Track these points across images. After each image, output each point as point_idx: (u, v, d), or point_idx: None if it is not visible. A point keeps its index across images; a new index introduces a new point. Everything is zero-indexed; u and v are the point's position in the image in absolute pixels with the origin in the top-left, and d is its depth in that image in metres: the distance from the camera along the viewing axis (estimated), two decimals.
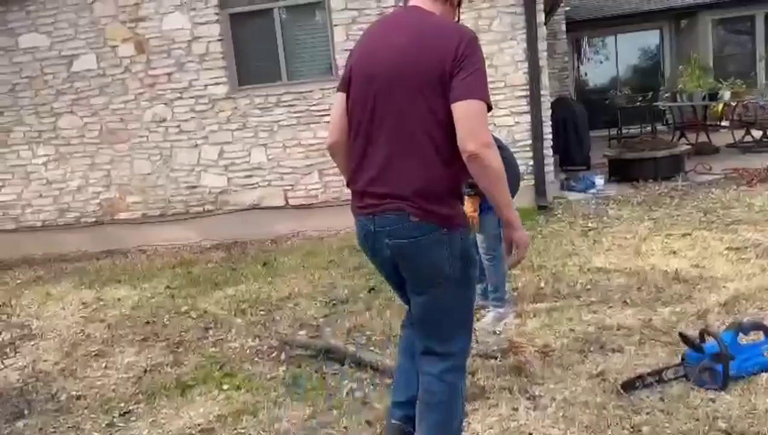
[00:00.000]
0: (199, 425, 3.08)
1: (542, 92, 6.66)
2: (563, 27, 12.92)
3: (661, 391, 2.85)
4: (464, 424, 2.53)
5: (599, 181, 7.53)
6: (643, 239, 5.34)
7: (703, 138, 9.80)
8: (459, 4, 2.24)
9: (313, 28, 7.06)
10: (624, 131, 12.35)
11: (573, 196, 7.26)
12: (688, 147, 8.69)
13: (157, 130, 7.27)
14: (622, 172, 7.88)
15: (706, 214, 5.93)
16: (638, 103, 12.34)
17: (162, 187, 7.37)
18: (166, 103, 7.21)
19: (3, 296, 6.03)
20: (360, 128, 2.11)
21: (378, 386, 3.27)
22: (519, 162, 6.80)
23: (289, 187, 7.14)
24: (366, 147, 2.10)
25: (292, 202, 7.16)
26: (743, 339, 3.01)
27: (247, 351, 3.98)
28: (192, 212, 7.36)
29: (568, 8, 13.35)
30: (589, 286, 4.39)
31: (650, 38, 15.08)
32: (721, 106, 10.78)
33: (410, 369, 2.40)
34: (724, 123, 10.82)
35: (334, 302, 4.68)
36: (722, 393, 2.78)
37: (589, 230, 5.83)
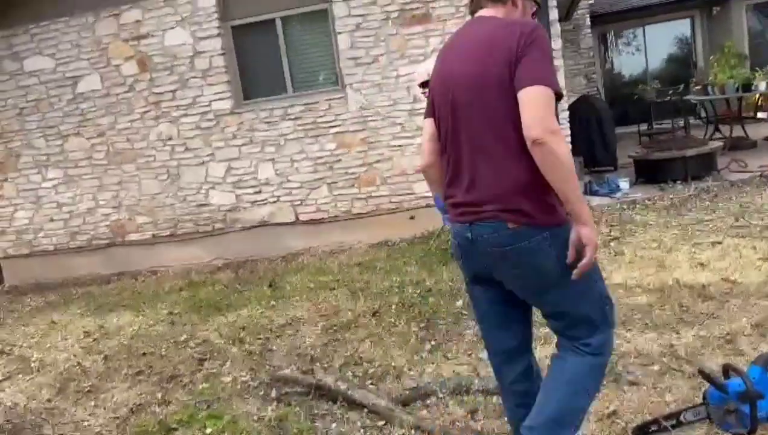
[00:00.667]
0: None
1: None
2: (587, 21, 12.47)
3: None
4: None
5: (624, 184, 7.11)
6: (669, 250, 4.94)
7: (738, 132, 9.25)
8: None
9: (316, 37, 6.83)
10: (656, 126, 11.81)
11: (596, 200, 6.86)
12: (721, 143, 8.18)
13: (164, 149, 7.13)
14: (649, 173, 7.44)
15: (738, 219, 5.48)
16: (669, 97, 11.79)
17: (171, 206, 7.23)
18: (171, 121, 7.07)
19: (12, 325, 5.96)
20: (447, 143, 2.14)
21: (368, 430, 3.00)
22: None
23: (299, 202, 6.92)
24: (455, 160, 2.11)
25: (302, 217, 6.93)
26: None
27: (239, 386, 3.76)
28: (202, 231, 7.20)
29: (592, 1, 12.90)
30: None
31: (681, 28, 14.47)
32: (757, 97, 10.19)
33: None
34: (761, 114, 10.23)
35: (335, 328, 4.42)
36: None
37: (611, 240, 5.45)
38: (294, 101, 6.80)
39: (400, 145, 6.58)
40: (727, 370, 2.57)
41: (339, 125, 6.70)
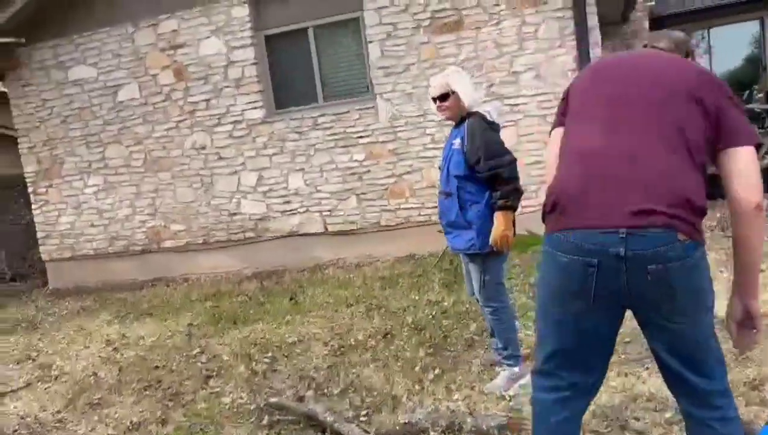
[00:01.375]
0: None
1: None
2: (646, 24, 11.90)
3: None
4: None
5: None
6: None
7: None
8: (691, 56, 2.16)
9: (348, 46, 6.73)
10: None
11: None
12: None
13: (198, 158, 7.19)
14: None
15: None
16: None
17: (204, 214, 7.29)
18: (205, 130, 7.12)
19: (46, 329, 6.11)
20: (596, 145, 1.91)
21: None
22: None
23: (328, 213, 6.83)
24: (607, 159, 1.88)
25: (330, 228, 6.85)
26: None
27: (236, 409, 3.68)
28: (233, 240, 7.22)
29: (652, 3, 12.31)
30: (628, 339, 3.75)
31: (750, 29, 13.64)
32: None
33: None
34: None
35: (343, 349, 4.29)
36: None
37: None
38: (324, 111, 6.72)
39: (430, 157, 6.40)
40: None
41: (369, 135, 6.58)
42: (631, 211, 1.77)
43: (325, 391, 3.70)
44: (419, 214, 6.50)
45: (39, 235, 7.99)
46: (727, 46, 13.79)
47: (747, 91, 11.29)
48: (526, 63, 6.05)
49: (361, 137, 6.60)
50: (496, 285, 3.33)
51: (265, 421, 3.41)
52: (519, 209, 6.06)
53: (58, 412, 4.14)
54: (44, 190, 7.85)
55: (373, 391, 3.59)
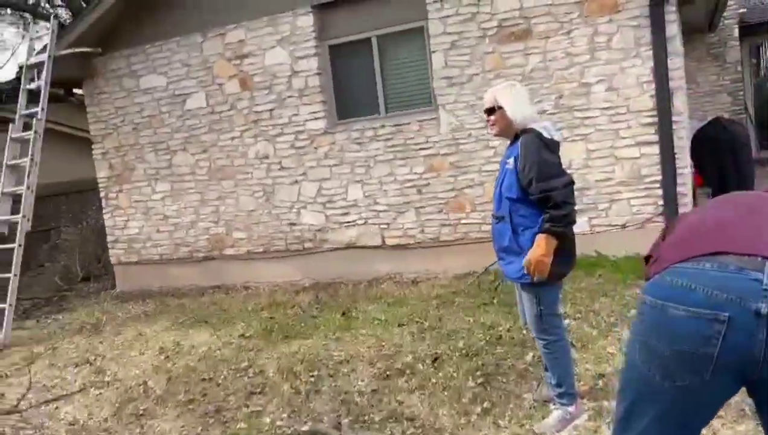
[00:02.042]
0: None
1: (676, 118, 5.56)
2: (735, 33, 11.16)
3: None
4: None
5: None
6: None
7: None
8: None
9: (411, 56, 6.57)
10: None
11: None
12: None
13: (260, 167, 7.20)
14: None
15: None
16: None
17: (265, 223, 7.29)
18: (268, 140, 7.12)
19: (108, 332, 6.24)
20: None
21: None
22: (647, 201, 5.79)
23: (386, 226, 6.68)
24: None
25: (388, 241, 6.69)
26: None
27: (274, 431, 3.57)
28: (292, 250, 7.19)
29: (743, 10, 11.54)
30: None
31: None
32: None
33: None
34: None
35: (389, 373, 4.12)
36: None
37: None
38: (385, 122, 6.58)
39: (492, 171, 6.14)
40: None
41: (429, 148, 6.39)
42: None
43: (366, 418, 3.55)
44: (479, 230, 6.24)
45: (108, 238, 8.24)
46: None
47: None
48: (597, 74, 5.71)
49: (421, 149, 6.42)
50: (551, 317, 3.07)
51: None
52: (587, 227, 5.78)
53: (105, 420, 4.18)
54: (115, 195, 8.08)
55: (415, 421, 3.41)
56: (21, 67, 7.52)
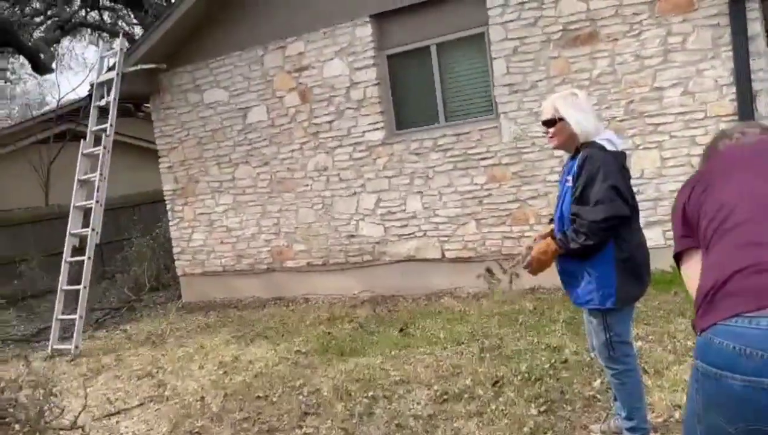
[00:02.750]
0: None
1: (760, 122, 5.13)
2: None
3: None
4: None
5: None
6: None
7: None
8: None
9: (471, 64, 6.38)
10: None
11: None
12: None
13: (320, 179, 7.17)
14: None
15: None
16: None
17: (324, 236, 7.25)
18: (327, 152, 7.08)
19: (171, 344, 6.33)
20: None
21: None
22: None
23: (446, 239, 6.50)
24: None
25: (448, 254, 6.51)
26: None
27: None
28: (351, 262, 7.11)
29: None
30: None
31: None
32: None
33: None
34: None
35: (446, 396, 3.94)
36: None
37: None
38: (444, 131, 6.41)
39: (558, 181, 5.86)
40: None
41: (490, 157, 6.17)
42: None
43: None
44: None
45: (174, 250, 8.40)
46: None
47: None
48: (671, 77, 5.36)
49: (483, 159, 6.21)
50: (621, 344, 2.83)
51: None
52: (662, 240, 5.42)
53: None
54: (180, 207, 8.24)
55: None
56: (92, 85, 7.78)
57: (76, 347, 6.38)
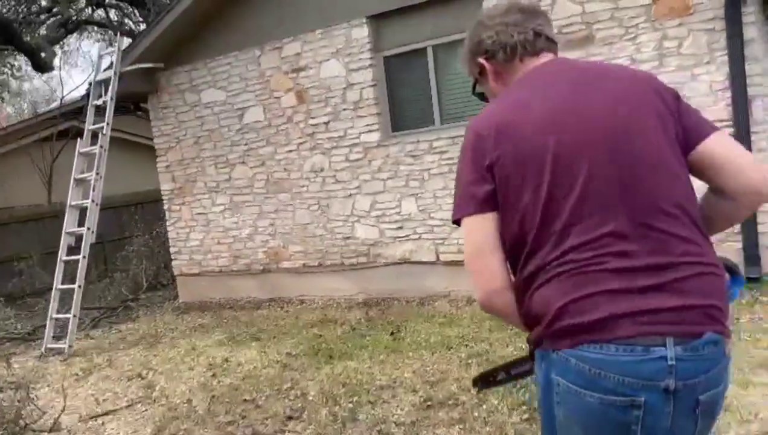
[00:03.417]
0: None
1: (755, 129, 5.09)
2: None
3: None
4: None
5: None
6: None
7: None
8: None
9: None
10: None
11: None
12: None
13: (316, 180, 7.15)
14: None
15: None
16: None
17: (320, 237, 7.23)
18: (323, 153, 7.07)
19: (164, 344, 6.33)
20: (568, 227, 1.37)
21: None
22: None
23: (441, 241, 6.47)
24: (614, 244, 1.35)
25: (443, 257, 6.48)
26: None
27: None
28: (347, 264, 7.09)
29: None
30: None
31: None
32: None
33: None
34: None
35: (431, 402, 3.91)
36: None
37: None
38: (440, 134, 6.38)
39: None
40: None
41: None
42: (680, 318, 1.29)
43: None
44: None
45: (171, 250, 8.41)
46: None
47: None
48: (666, 82, 5.28)
49: None
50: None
51: None
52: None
53: None
54: (177, 207, 8.24)
55: None
56: (90, 84, 7.79)
57: (70, 347, 6.40)
